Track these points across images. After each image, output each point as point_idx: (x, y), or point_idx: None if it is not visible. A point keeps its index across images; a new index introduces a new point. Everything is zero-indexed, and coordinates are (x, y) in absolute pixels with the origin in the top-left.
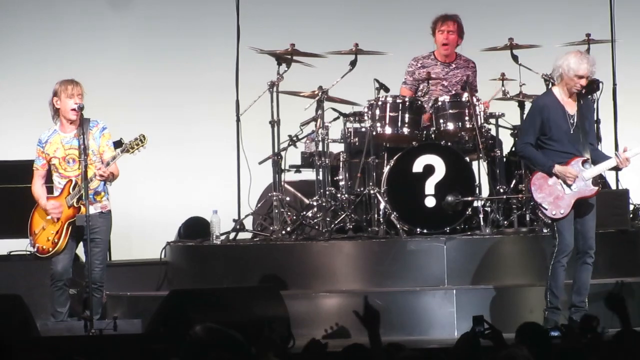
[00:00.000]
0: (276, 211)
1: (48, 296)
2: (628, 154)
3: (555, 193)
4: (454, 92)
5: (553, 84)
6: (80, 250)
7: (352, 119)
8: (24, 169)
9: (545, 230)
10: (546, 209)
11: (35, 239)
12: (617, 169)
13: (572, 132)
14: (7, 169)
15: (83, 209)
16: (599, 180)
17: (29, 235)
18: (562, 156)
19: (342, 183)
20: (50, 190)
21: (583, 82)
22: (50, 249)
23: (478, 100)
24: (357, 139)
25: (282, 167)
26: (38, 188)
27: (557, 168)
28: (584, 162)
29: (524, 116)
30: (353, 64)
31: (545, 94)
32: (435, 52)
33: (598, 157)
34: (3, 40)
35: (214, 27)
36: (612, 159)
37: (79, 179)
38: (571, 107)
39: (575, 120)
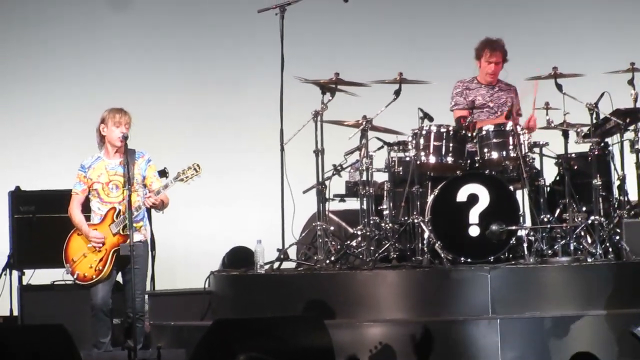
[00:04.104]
0: (320, 240)
1: (91, 326)
2: None
3: None
4: (499, 113)
5: None
6: (118, 280)
7: (396, 148)
8: (65, 198)
9: (589, 260)
10: None
11: (74, 266)
12: None
13: None
14: (49, 198)
15: (127, 237)
16: None
17: (65, 262)
18: None
19: (386, 212)
20: (87, 218)
21: None
22: (94, 277)
23: (522, 129)
24: (401, 168)
25: (326, 196)
26: (78, 214)
27: None
28: None
29: None
30: (397, 93)
31: None
32: (477, 77)
33: None
34: (46, 71)
35: (258, 57)
36: None
37: (123, 205)
38: None
39: None
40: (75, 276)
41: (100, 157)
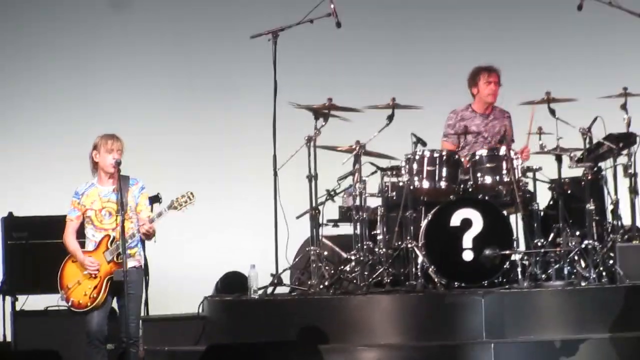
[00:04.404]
0: (314, 265)
1: (85, 352)
2: None
3: None
4: (493, 142)
5: None
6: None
7: (389, 173)
8: (59, 224)
9: (583, 284)
10: None
11: (68, 293)
12: None
13: None
14: (42, 224)
15: (121, 264)
16: None
17: (60, 289)
18: None
19: (379, 237)
20: (81, 245)
21: None
22: (89, 304)
23: (516, 153)
24: (394, 193)
25: (320, 221)
26: (73, 241)
27: None
28: None
29: None
30: (390, 118)
31: None
32: (472, 105)
33: None
34: (38, 97)
35: (251, 83)
36: None
37: (117, 232)
38: None
39: None
40: (70, 303)
41: (94, 184)
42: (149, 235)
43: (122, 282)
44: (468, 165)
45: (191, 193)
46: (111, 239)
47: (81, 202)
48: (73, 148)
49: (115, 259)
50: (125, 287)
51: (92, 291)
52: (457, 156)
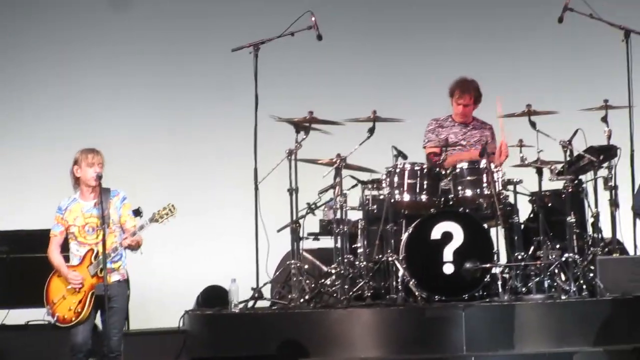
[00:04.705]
0: (294, 279)
1: None
2: None
3: None
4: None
5: None
6: (97, 320)
7: (370, 186)
8: (40, 238)
9: (563, 297)
10: None
11: (54, 308)
12: None
13: None
14: (22, 238)
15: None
16: None
17: (46, 304)
18: None
19: (360, 250)
20: (66, 259)
21: None
22: (73, 319)
23: (496, 166)
24: (375, 206)
25: (301, 235)
26: (57, 256)
27: None
28: None
29: None
30: (371, 131)
31: None
32: (452, 115)
33: None
34: (20, 111)
35: (232, 95)
36: None
37: (100, 247)
38: None
39: None
40: (55, 318)
41: (76, 199)
42: (134, 246)
43: (108, 296)
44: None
45: (172, 205)
46: (95, 253)
47: (64, 217)
48: (54, 162)
49: (98, 273)
50: (105, 301)
51: (76, 306)
52: (437, 169)
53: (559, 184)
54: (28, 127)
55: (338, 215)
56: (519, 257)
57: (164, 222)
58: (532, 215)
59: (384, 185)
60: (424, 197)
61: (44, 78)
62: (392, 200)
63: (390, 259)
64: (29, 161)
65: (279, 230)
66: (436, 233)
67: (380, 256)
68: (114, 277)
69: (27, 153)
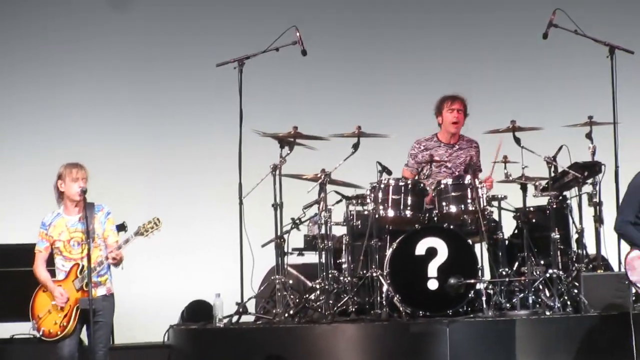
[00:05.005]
0: (279, 294)
1: None
2: None
3: None
4: (457, 173)
5: None
6: (82, 334)
7: (354, 201)
8: (24, 252)
9: (547, 313)
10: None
11: (39, 322)
12: None
13: None
14: (7, 252)
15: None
16: None
17: (32, 319)
18: None
19: (344, 266)
20: (51, 273)
21: None
22: (59, 333)
23: (481, 182)
24: (359, 222)
25: (285, 250)
26: (43, 272)
27: None
28: None
29: (624, 193)
30: (355, 146)
31: None
32: (438, 134)
33: None
34: (4, 126)
35: (216, 110)
36: None
37: (85, 261)
38: None
39: None
40: (41, 332)
41: (60, 214)
42: (117, 262)
43: (94, 310)
44: (433, 195)
45: (158, 219)
46: (80, 267)
47: (49, 232)
48: (37, 176)
49: (84, 287)
50: (90, 315)
51: (62, 320)
52: (422, 185)
53: (543, 200)
54: (10, 142)
55: (322, 231)
56: (504, 272)
57: (149, 235)
58: (516, 231)
59: (368, 200)
60: (408, 213)
61: (26, 90)
62: (377, 216)
63: (374, 274)
64: (11, 175)
65: (263, 245)
66: (420, 249)
67: (364, 271)
68: (99, 291)
69: (9, 167)
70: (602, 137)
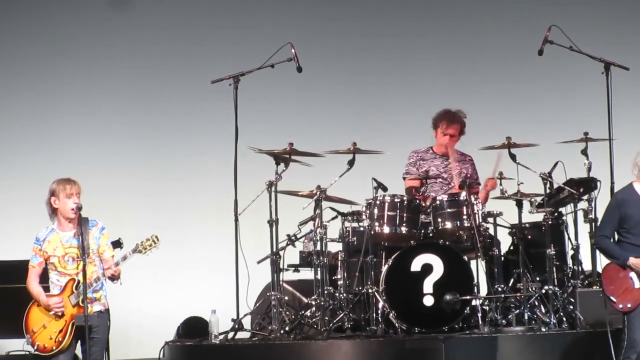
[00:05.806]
0: (275, 310)
1: None
2: None
3: (625, 285)
4: (453, 184)
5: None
6: (77, 349)
7: (350, 218)
8: (19, 269)
9: (543, 329)
10: (614, 301)
11: (34, 337)
12: None
13: None
14: (1, 269)
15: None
16: None
17: (26, 334)
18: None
19: (340, 282)
20: (45, 289)
21: None
22: (54, 348)
23: (476, 199)
24: (355, 238)
25: (281, 266)
26: (36, 286)
27: (632, 261)
28: None
29: (605, 210)
30: (351, 163)
31: (624, 188)
32: (433, 147)
33: None
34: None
35: (212, 127)
36: None
37: (81, 277)
38: None
39: None
40: (35, 347)
41: (54, 230)
42: (114, 277)
43: (89, 325)
44: (429, 210)
45: (156, 237)
46: (76, 282)
47: (43, 248)
48: (31, 192)
49: (80, 302)
50: (86, 331)
51: (57, 335)
52: (417, 201)
53: (539, 217)
54: (3, 158)
55: (318, 247)
56: (499, 289)
57: (148, 253)
58: (512, 248)
59: (364, 217)
60: (404, 229)
61: (22, 105)
62: (372, 232)
63: (370, 290)
64: (5, 192)
65: (259, 262)
66: (416, 265)
67: (360, 288)
68: (95, 307)
69: (2, 184)
70: (598, 154)
